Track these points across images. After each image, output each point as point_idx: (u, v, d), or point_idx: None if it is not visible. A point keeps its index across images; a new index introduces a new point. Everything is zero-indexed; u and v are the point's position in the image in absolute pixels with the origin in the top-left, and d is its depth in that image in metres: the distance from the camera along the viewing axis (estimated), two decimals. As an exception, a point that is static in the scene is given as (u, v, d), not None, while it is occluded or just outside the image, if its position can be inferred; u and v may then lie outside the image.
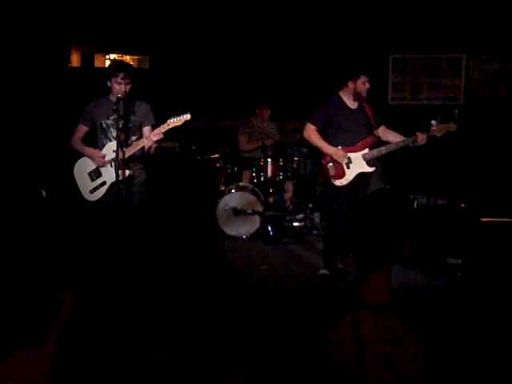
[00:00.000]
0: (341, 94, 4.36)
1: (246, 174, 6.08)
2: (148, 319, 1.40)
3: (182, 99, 6.60)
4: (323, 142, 4.34)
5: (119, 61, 7.03)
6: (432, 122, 4.25)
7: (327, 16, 6.89)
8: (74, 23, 6.92)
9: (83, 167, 4.07)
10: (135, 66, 7.58)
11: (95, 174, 4.04)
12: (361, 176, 4.32)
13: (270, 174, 5.81)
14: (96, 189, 4.02)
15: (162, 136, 3.82)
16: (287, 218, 6.01)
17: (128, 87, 3.90)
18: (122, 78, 3.86)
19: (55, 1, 6.63)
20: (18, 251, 0.92)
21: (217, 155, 6.15)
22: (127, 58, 7.65)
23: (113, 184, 3.90)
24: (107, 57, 7.69)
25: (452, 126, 4.27)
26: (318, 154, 4.54)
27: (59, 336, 0.96)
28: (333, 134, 4.34)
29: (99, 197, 4.01)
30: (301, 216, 6.01)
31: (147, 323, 1.40)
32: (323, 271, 4.37)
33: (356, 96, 4.30)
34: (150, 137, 3.82)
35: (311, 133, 4.39)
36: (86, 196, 4.05)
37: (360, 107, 4.34)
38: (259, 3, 6.82)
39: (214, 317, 1.40)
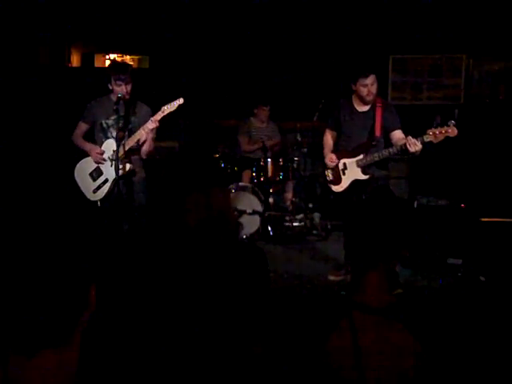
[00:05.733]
0: (353, 96, 4.14)
1: (246, 174, 6.06)
2: (168, 301, 1.43)
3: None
4: (327, 146, 4.30)
5: (116, 62, 7.04)
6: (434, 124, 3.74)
7: (327, 16, 6.89)
8: (74, 23, 6.92)
9: (84, 168, 4.09)
10: (135, 66, 7.58)
11: (96, 173, 4.05)
12: (359, 184, 4.02)
13: (269, 173, 5.81)
14: (99, 188, 4.03)
15: (157, 124, 3.82)
16: (287, 218, 6.00)
17: (129, 87, 3.91)
18: (120, 79, 3.86)
19: (55, 1, 6.63)
20: (45, 251, 0.93)
21: (217, 155, 6.15)
22: (127, 58, 7.64)
23: (115, 180, 3.92)
24: (107, 57, 7.67)
25: (451, 130, 3.62)
26: (317, 153, 4.49)
27: (82, 334, 0.97)
28: (341, 138, 4.23)
29: (103, 195, 4.03)
30: (301, 216, 6.00)
31: (167, 306, 1.42)
32: (333, 277, 4.29)
33: (361, 99, 4.05)
34: (146, 126, 3.82)
35: (324, 136, 4.35)
36: (89, 196, 4.07)
37: (371, 110, 4.07)
38: (259, 4, 6.82)
39: (231, 293, 1.43)
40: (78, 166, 4.13)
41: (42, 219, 0.99)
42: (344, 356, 1.36)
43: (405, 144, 3.73)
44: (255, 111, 6.30)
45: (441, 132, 3.63)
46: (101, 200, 4.03)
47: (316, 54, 7.05)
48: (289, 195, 6.14)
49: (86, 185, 4.08)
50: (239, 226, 1.53)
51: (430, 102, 7.16)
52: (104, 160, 4.00)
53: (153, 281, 1.50)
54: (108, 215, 4.01)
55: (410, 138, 3.72)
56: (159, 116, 3.81)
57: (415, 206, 4.84)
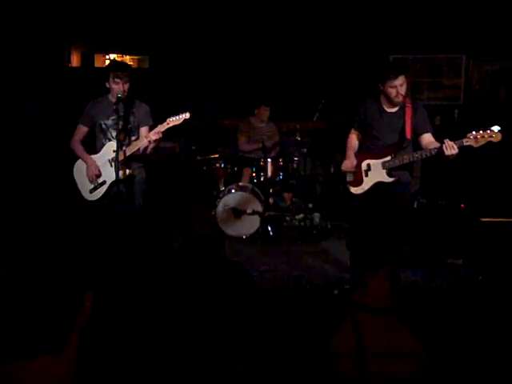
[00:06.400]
0: (381, 96, 3.90)
1: (246, 172, 6.06)
2: (156, 316, 1.43)
3: (181, 99, 6.59)
4: (350, 148, 4.07)
5: (115, 61, 7.04)
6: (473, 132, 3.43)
7: (327, 16, 6.89)
8: (74, 23, 6.92)
9: (83, 167, 4.07)
10: (135, 66, 7.58)
11: (95, 174, 4.04)
12: (382, 187, 3.77)
13: (270, 173, 5.81)
14: (95, 188, 4.02)
15: (161, 135, 3.81)
16: (287, 218, 6.00)
17: (126, 86, 3.89)
18: (118, 78, 3.85)
19: (55, 1, 6.63)
20: (40, 255, 0.93)
21: (217, 155, 6.15)
22: (127, 58, 7.64)
23: (113, 183, 3.91)
24: (107, 57, 7.67)
25: (495, 136, 3.38)
26: (317, 154, 4.45)
27: (79, 338, 0.98)
28: (367, 139, 3.99)
29: (99, 196, 4.01)
30: (301, 216, 6.01)
31: (156, 320, 1.43)
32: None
33: (389, 100, 3.83)
34: (149, 136, 3.81)
35: (348, 138, 4.12)
36: (85, 196, 4.06)
37: (400, 110, 3.84)
38: (259, 4, 6.82)
39: (216, 311, 1.44)
40: (77, 163, 4.10)
41: (40, 224, 1.00)
42: (347, 356, 1.36)
43: (440, 147, 3.49)
44: (256, 111, 6.30)
45: (483, 136, 3.40)
46: (96, 201, 4.01)
47: (316, 53, 7.04)
48: (289, 195, 6.14)
49: (84, 184, 4.06)
50: (224, 243, 1.56)
51: (430, 102, 7.15)
52: (98, 178, 3.98)
53: (140, 294, 1.52)
54: (103, 217, 3.99)
55: (447, 140, 3.46)
56: (163, 128, 3.78)
57: (415, 206, 4.84)
